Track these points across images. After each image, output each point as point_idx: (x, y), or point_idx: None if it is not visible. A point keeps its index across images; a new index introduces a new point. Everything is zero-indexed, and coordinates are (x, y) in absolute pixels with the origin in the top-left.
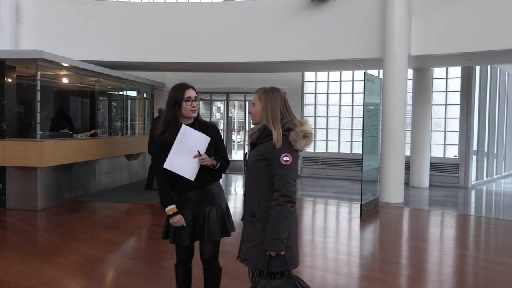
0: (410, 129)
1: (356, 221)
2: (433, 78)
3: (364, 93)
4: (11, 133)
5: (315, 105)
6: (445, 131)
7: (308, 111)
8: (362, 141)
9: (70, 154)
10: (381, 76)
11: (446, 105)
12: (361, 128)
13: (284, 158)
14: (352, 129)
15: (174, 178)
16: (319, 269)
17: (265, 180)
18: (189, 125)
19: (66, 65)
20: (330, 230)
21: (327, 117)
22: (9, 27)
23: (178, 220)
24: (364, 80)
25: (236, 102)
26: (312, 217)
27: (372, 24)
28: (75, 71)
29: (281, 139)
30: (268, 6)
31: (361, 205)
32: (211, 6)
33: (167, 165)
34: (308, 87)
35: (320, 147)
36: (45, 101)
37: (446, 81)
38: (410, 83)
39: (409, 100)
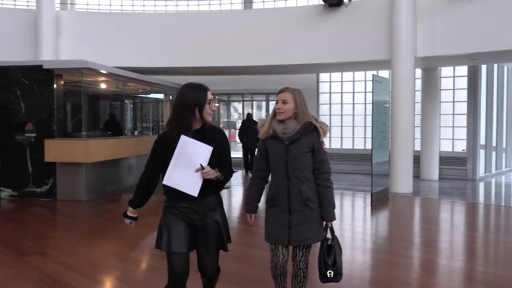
0: (419, 125)
1: (367, 208)
2: (441, 77)
3: (372, 93)
4: (60, 133)
5: (330, 104)
6: (453, 127)
7: (323, 110)
8: (372, 137)
9: (110, 151)
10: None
11: (453, 102)
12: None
13: (324, 146)
14: (365, 126)
15: (166, 186)
16: None
17: (310, 168)
18: (198, 129)
19: (105, 72)
20: (343, 214)
21: (341, 115)
22: (50, 39)
23: (128, 224)
24: (372, 81)
25: (255, 102)
26: None
27: (380, 28)
28: (112, 77)
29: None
30: (285, 13)
31: (371, 194)
32: (231, 14)
33: (167, 180)
34: (323, 87)
35: (335, 144)
36: (86, 104)
37: (454, 80)
38: (419, 82)
39: (418, 98)
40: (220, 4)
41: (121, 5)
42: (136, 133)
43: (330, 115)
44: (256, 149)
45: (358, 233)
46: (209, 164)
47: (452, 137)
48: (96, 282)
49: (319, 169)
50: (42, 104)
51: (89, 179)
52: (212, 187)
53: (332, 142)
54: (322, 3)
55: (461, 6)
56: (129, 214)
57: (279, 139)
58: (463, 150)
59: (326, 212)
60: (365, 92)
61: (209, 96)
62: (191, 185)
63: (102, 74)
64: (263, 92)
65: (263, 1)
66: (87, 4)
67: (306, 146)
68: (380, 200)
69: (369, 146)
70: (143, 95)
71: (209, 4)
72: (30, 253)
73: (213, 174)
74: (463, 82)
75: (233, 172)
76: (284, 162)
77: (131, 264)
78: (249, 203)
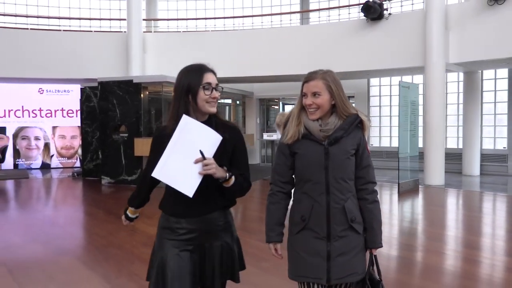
0: (462, 124)
1: (395, 196)
2: (482, 79)
3: (399, 96)
4: (146, 133)
5: (380, 106)
6: (494, 126)
7: (374, 111)
8: (398, 135)
9: None
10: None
11: (495, 102)
12: (421, 125)
13: (368, 147)
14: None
15: (169, 194)
16: None
17: (353, 176)
18: (203, 123)
19: None
20: None
21: (391, 116)
22: (138, 57)
23: (126, 224)
24: (399, 87)
25: None
26: None
27: (415, 38)
28: None
29: None
30: (335, 27)
31: (398, 183)
32: (289, 29)
33: (157, 173)
34: (373, 91)
35: (385, 142)
36: (166, 109)
37: (495, 82)
38: (462, 85)
39: (461, 99)
40: (281, 21)
41: (196, 26)
42: None
43: (380, 116)
44: (276, 154)
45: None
46: (215, 159)
47: (494, 136)
48: None
49: (365, 177)
50: (132, 111)
51: None
52: (222, 200)
53: (382, 141)
54: (365, 18)
55: (488, 15)
56: (129, 215)
57: (314, 139)
58: (504, 147)
59: (374, 237)
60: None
61: (208, 78)
62: (186, 181)
63: None
64: None
65: (319, 17)
66: (168, 26)
67: (351, 147)
68: (407, 189)
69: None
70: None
71: (271, 22)
72: None
73: (218, 171)
74: (504, 84)
75: (250, 183)
76: (323, 170)
77: None
78: (272, 229)
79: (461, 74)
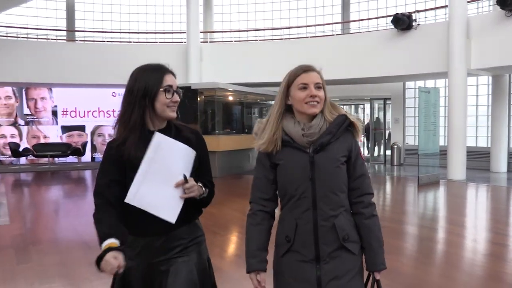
0: (490, 124)
1: (415, 188)
2: (510, 82)
3: (419, 100)
4: (202, 132)
5: (415, 107)
6: None
7: (409, 112)
8: (418, 135)
9: (233, 144)
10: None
11: None
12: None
13: (362, 153)
14: (445, 126)
15: (129, 212)
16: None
17: (345, 188)
18: (162, 130)
19: (231, 89)
20: (391, 192)
21: None
22: (196, 65)
23: (112, 263)
24: (419, 92)
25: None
26: (382, 185)
27: (440, 46)
28: (235, 92)
29: None
30: (371, 36)
31: (418, 177)
32: (330, 38)
33: (131, 198)
34: (409, 93)
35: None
36: (219, 111)
37: None
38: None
39: (490, 101)
40: (324, 31)
41: (247, 36)
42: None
43: (414, 116)
44: (255, 167)
45: (396, 199)
46: (190, 176)
47: None
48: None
49: (360, 188)
50: (190, 112)
51: (220, 162)
52: (189, 210)
53: (416, 140)
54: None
55: (506, 25)
56: (104, 251)
57: (297, 146)
58: None
59: (374, 257)
60: (445, 97)
61: (169, 80)
62: (167, 207)
63: (228, 91)
64: (353, 98)
65: (359, 27)
66: (222, 38)
67: (341, 154)
68: (427, 182)
69: (443, 143)
70: (261, 103)
71: (315, 32)
72: None
73: (198, 190)
74: None
75: (214, 186)
76: (308, 182)
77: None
78: (254, 255)
79: (490, 78)
